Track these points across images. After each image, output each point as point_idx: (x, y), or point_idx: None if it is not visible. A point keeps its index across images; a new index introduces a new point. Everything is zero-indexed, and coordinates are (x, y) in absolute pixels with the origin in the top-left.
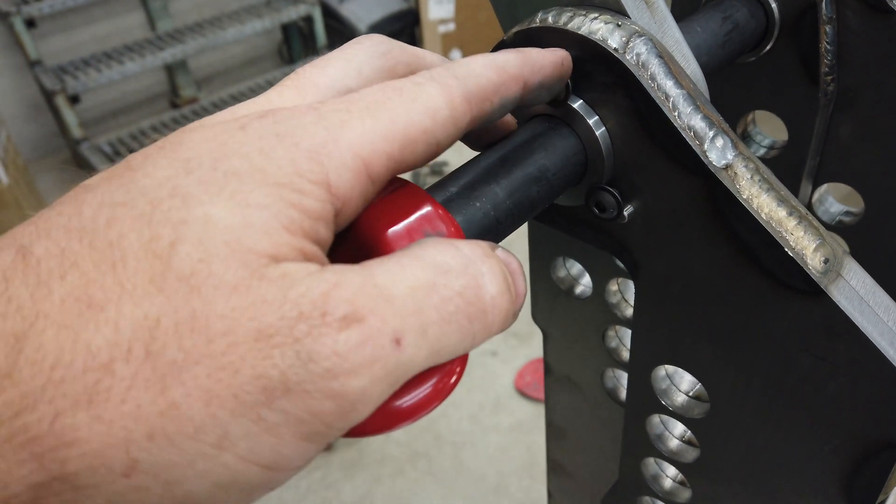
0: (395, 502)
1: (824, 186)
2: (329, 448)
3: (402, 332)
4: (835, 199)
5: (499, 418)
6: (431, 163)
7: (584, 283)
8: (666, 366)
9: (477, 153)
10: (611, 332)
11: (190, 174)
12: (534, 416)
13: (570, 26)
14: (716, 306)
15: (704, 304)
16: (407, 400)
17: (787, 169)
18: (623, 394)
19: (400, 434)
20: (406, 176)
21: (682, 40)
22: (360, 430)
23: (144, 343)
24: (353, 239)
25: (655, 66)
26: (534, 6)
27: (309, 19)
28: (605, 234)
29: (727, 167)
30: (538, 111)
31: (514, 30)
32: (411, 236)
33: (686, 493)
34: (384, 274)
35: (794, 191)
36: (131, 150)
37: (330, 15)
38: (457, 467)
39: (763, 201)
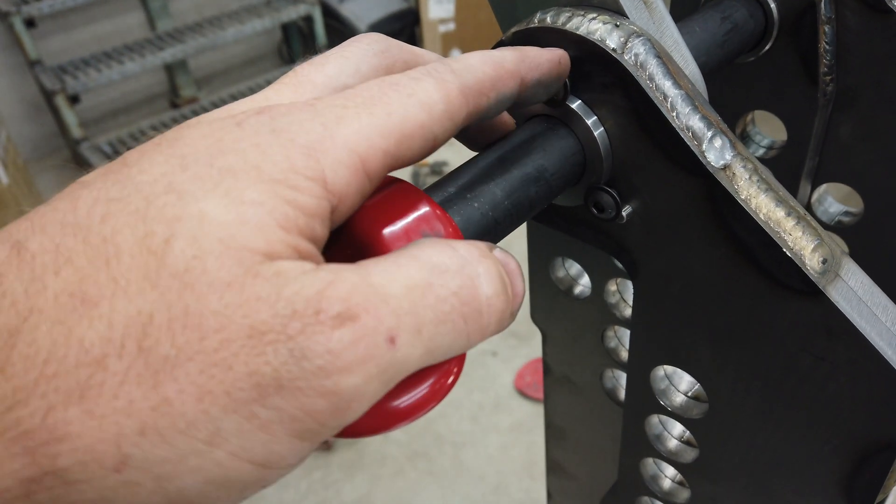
0: (394, 502)
1: (823, 186)
2: (329, 448)
3: (396, 331)
4: (834, 200)
5: (499, 418)
6: (431, 162)
7: (583, 284)
8: (665, 366)
9: (475, 153)
10: (609, 333)
11: (185, 170)
12: (534, 416)
13: (568, 26)
14: (714, 306)
15: (703, 305)
16: (404, 400)
17: (787, 169)
18: (622, 394)
19: (400, 434)
20: (406, 176)
21: (681, 40)
22: (359, 430)
23: (137, 339)
24: (351, 238)
25: (654, 67)
26: (532, 6)
27: (309, 19)
28: (604, 234)
29: (725, 167)
30: (536, 111)
31: (513, 30)
32: (409, 236)
33: (685, 494)
34: (380, 273)
35: (794, 191)
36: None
37: (330, 15)
38: (457, 467)
39: (761, 201)
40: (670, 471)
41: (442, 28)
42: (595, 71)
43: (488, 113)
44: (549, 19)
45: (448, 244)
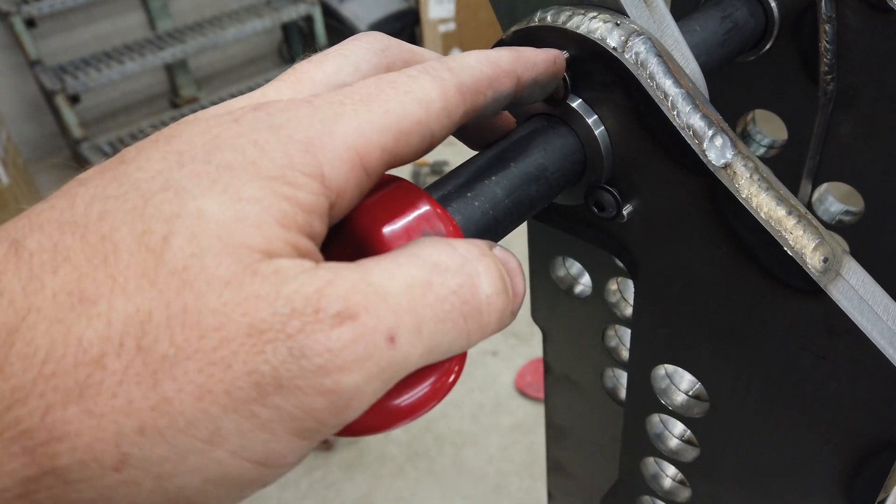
0: (395, 502)
1: (824, 186)
2: (329, 448)
3: (395, 330)
4: (835, 199)
5: (499, 418)
6: (432, 162)
7: (584, 283)
8: (665, 365)
9: (476, 152)
10: (610, 332)
11: (183, 167)
12: (534, 416)
13: (568, 25)
14: (715, 305)
15: (704, 304)
16: (405, 399)
17: (787, 168)
18: (623, 393)
19: (400, 434)
20: (406, 176)
21: (682, 39)
22: (359, 429)
23: (136, 337)
24: (352, 237)
25: (654, 65)
26: (533, 5)
27: (309, 19)
28: (605, 233)
29: (726, 166)
30: (537, 110)
31: (513, 29)
32: (409, 235)
33: (686, 493)
34: (379, 272)
35: (794, 190)
36: None
37: (330, 14)
38: (457, 467)
39: (762, 200)
40: (671, 470)
41: (442, 28)
42: (595, 70)
43: (485, 111)
44: (549, 18)
45: (448, 243)
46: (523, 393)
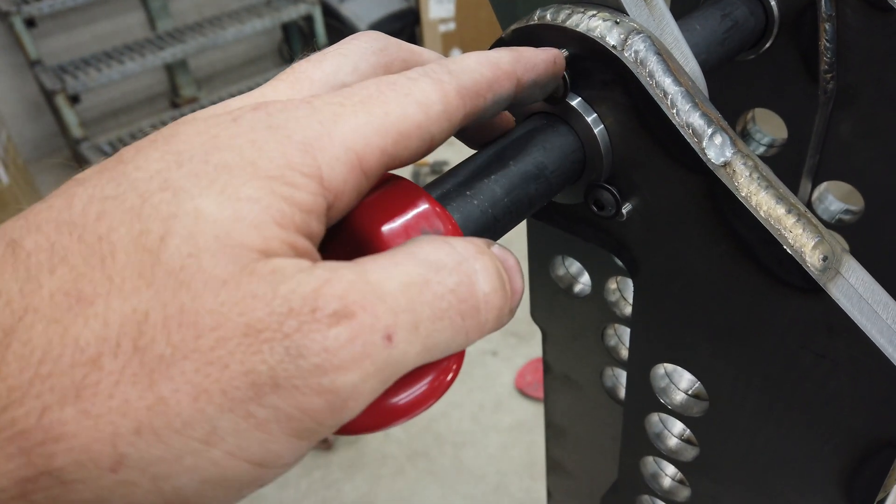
0: (395, 502)
1: (824, 185)
2: (329, 447)
3: (393, 329)
4: (835, 198)
5: (499, 418)
6: (432, 162)
7: (583, 282)
8: (665, 364)
9: (475, 151)
10: (610, 331)
11: (181, 167)
12: (534, 416)
13: (568, 23)
14: (715, 304)
15: (703, 303)
16: (403, 397)
17: (787, 167)
18: (622, 392)
19: (400, 433)
20: (406, 176)
21: (681, 38)
22: (358, 428)
23: (133, 337)
24: (350, 236)
25: (654, 64)
26: (532, 4)
27: (309, 19)
28: (604, 231)
29: (725, 165)
30: (536, 109)
31: (513, 27)
32: (408, 233)
33: (685, 492)
34: (377, 271)
35: (794, 189)
36: None
37: (330, 14)
38: (457, 467)
39: (761, 199)
40: (671, 469)
41: (442, 28)
42: (595, 68)
43: (485, 114)
44: (548, 16)
45: (445, 241)
46: (523, 393)
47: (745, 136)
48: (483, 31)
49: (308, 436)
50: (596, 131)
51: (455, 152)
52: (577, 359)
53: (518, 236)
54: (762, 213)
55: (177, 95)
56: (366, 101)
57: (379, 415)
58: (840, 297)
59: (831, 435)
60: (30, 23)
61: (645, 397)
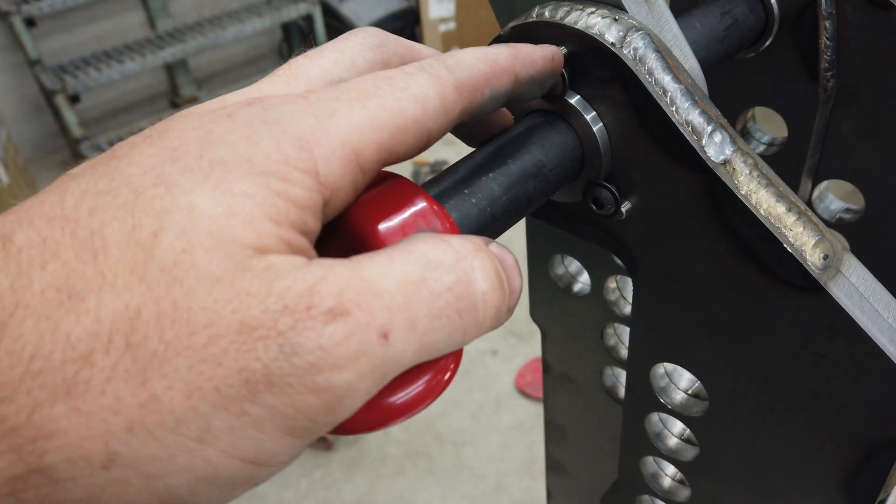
0: (395, 501)
1: (824, 183)
2: (329, 447)
3: (389, 327)
4: (835, 196)
5: (499, 417)
6: (432, 161)
7: (583, 281)
8: (665, 364)
9: (473, 149)
10: (609, 330)
11: (175, 162)
12: (534, 416)
13: (566, 21)
14: (715, 303)
15: (703, 302)
16: (400, 396)
17: (787, 166)
18: (622, 392)
19: (400, 433)
20: (406, 175)
21: (681, 35)
22: (355, 427)
23: (125, 334)
24: (347, 233)
25: (653, 61)
26: (531, 1)
27: (309, 18)
28: (603, 230)
29: (725, 163)
30: (535, 106)
31: (511, 25)
32: (405, 231)
33: (685, 492)
34: (373, 268)
35: (794, 188)
36: None
37: (330, 14)
38: (457, 466)
39: (762, 197)
40: (671, 469)
41: (442, 27)
42: (594, 66)
43: (483, 109)
44: (547, 14)
45: (443, 239)
46: (523, 392)
47: (745, 134)
48: (483, 30)
49: (303, 434)
50: (595, 129)
51: (455, 152)
52: (577, 358)
53: (517, 235)
54: (762, 212)
55: (177, 95)
56: (362, 95)
57: (376, 414)
58: (841, 296)
59: (832, 435)
60: (30, 22)
61: (645, 397)
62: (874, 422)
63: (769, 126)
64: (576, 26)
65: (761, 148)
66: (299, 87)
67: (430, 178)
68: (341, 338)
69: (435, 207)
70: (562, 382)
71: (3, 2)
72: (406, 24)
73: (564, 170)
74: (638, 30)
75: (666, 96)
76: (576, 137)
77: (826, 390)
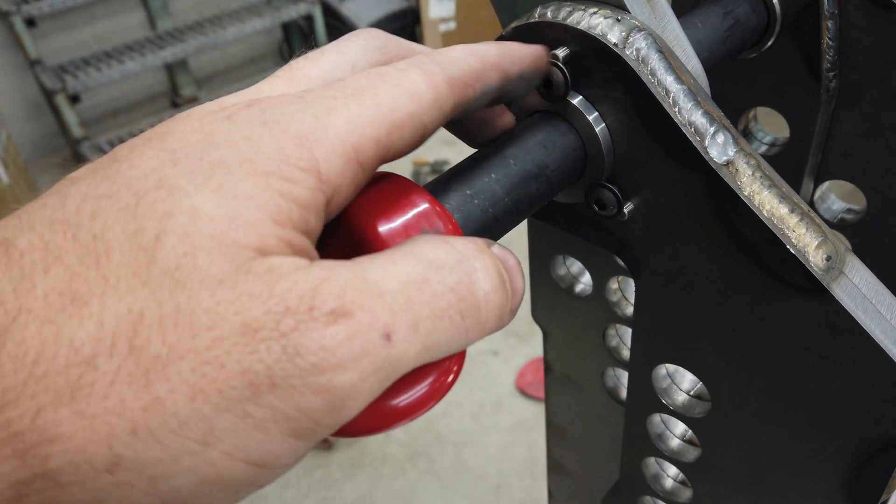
0: (395, 502)
1: (826, 184)
2: (330, 447)
3: (392, 328)
4: (837, 197)
5: (500, 417)
6: (432, 161)
7: (585, 282)
8: (667, 364)
9: (475, 150)
10: (611, 331)
11: (176, 165)
12: (535, 416)
13: (569, 21)
14: (717, 304)
15: (706, 303)
16: (403, 398)
17: (789, 166)
18: (624, 393)
19: (401, 433)
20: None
21: (683, 36)
22: (358, 429)
23: (128, 337)
24: (350, 235)
25: (655, 62)
26: (533, 2)
27: (309, 18)
28: (605, 231)
29: (728, 164)
30: (537, 107)
31: (513, 25)
32: (408, 233)
33: (687, 493)
34: (375, 269)
35: (796, 188)
36: None
37: (330, 14)
38: (458, 466)
39: (764, 198)
40: (672, 470)
41: (443, 27)
42: (596, 66)
43: (474, 105)
44: (549, 14)
45: (445, 240)
46: (524, 392)
47: (748, 134)
48: (483, 30)
49: (306, 436)
50: (597, 130)
51: (455, 152)
52: (579, 359)
53: (519, 236)
54: (765, 213)
55: (177, 95)
56: (357, 92)
57: (380, 416)
58: (844, 298)
59: (834, 436)
60: (30, 22)
61: (647, 398)
62: (877, 423)
63: (771, 126)
64: (578, 27)
65: (763, 148)
66: (300, 88)
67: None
68: (344, 339)
69: (437, 209)
70: (563, 383)
71: (3, 2)
72: (406, 23)
73: (567, 171)
74: (640, 30)
75: (668, 97)
76: (578, 138)
77: (828, 392)
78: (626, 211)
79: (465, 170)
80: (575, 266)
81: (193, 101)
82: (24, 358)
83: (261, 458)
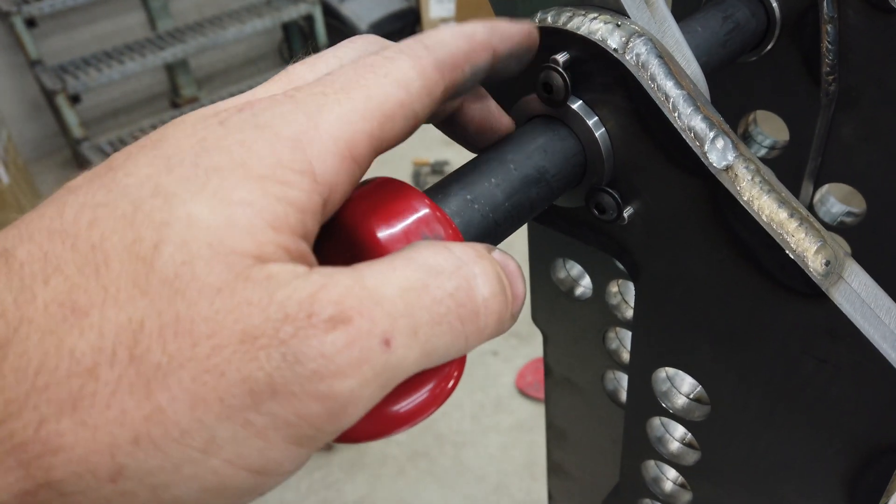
0: (395, 502)
1: (826, 187)
2: (330, 448)
3: (391, 334)
4: (836, 200)
5: (500, 418)
6: (433, 161)
7: (584, 285)
8: (666, 368)
9: (475, 155)
10: (611, 334)
11: (171, 172)
12: (535, 416)
13: (569, 26)
14: (716, 309)
15: (705, 307)
16: (404, 405)
17: (789, 169)
18: (623, 396)
19: (400, 434)
20: (406, 174)
21: (683, 40)
22: (359, 435)
23: (128, 347)
24: (350, 241)
25: (655, 67)
26: (533, 6)
27: (309, 18)
28: (605, 235)
29: (728, 168)
30: (537, 112)
31: None
32: (408, 238)
33: (687, 496)
34: (374, 275)
35: (796, 191)
36: None
37: (331, 14)
38: (457, 467)
39: (764, 203)
40: (672, 473)
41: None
42: (596, 71)
43: (465, 86)
44: (549, 19)
45: (444, 246)
46: (524, 393)
47: (747, 138)
48: None
49: (307, 442)
50: (597, 135)
51: (456, 152)
52: (579, 362)
53: (519, 238)
54: (764, 218)
55: (177, 95)
56: (346, 87)
57: (380, 422)
58: (843, 302)
59: (833, 440)
60: (30, 23)
61: (646, 401)
62: (876, 427)
63: (771, 129)
64: (578, 32)
65: (763, 151)
66: None
67: (431, 177)
68: (343, 345)
69: (438, 214)
70: (563, 386)
71: (3, 2)
72: (406, 24)
73: (567, 175)
74: (640, 35)
75: (668, 102)
76: (578, 143)
77: (827, 396)
78: (625, 215)
79: (465, 174)
80: (575, 269)
81: (194, 101)
82: (27, 369)
83: (262, 465)
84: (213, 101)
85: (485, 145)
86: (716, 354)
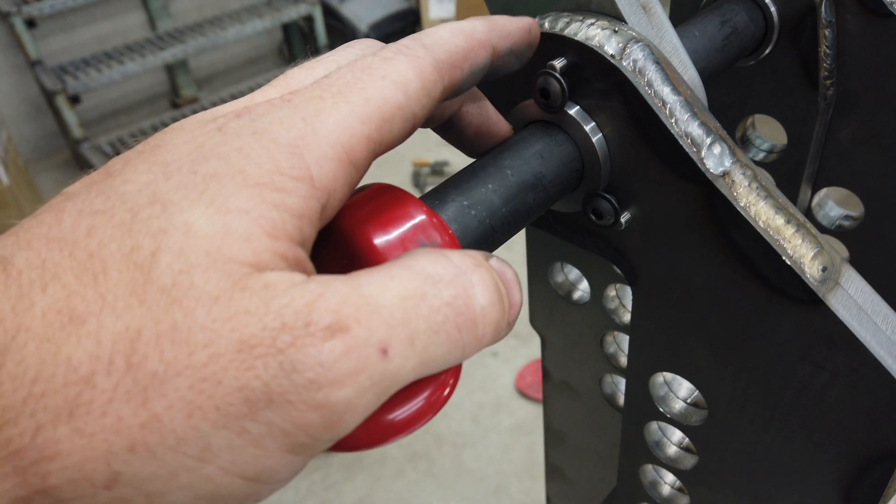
0: (395, 503)
1: (824, 191)
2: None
3: (388, 342)
4: (834, 204)
5: (499, 419)
6: (433, 162)
7: (582, 289)
8: (664, 372)
9: (472, 160)
10: (609, 338)
11: (169, 179)
12: (534, 417)
13: (566, 32)
14: (714, 314)
15: (702, 312)
16: (399, 413)
17: (787, 173)
18: (621, 400)
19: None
20: (406, 175)
21: (680, 46)
22: (354, 444)
23: (125, 355)
24: (347, 248)
25: (652, 73)
26: (530, 11)
27: (310, 19)
28: (603, 240)
29: (724, 174)
30: (534, 117)
31: None
32: (405, 246)
33: (684, 500)
34: (371, 284)
35: (794, 195)
36: None
37: (331, 14)
38: (457, 468)
39: (761, 209)
40: (669, 477)
41: None
42: (593, 77)
43: (464, 85)
44: (546, 25)
45: (442, 254)
46: (523, 394)
47: (745, 142)
48: None
49: (303, 451)
50: (594, 140)
51: (456, 153)
52: (577, 366)
53: (517, 242)
54: (761, 224)
55: (177, 96)
56: (344, 89)
57: (377, 430)
58: (839, 309)
59: (830, 445)
60: (30, 23)
61: (644, 405)
62: (872, 434)
63: (769, 133)
64: (575, 38)
65: (761, 155)
66: None
67: (431, 178)
68: (340, 354)
69: (434, 221)
70: (561, 389)
71: (3, 2)
72: (406, 24)
73: (564, 181)
74: (637, 41)
75: (665, 108)
76: (575, 148)
77: (824, 402)
78: (622, 221)
79: (462, 180)
80: (573, 273)
81: (194, 101)
82: (24, 377)
83: (258, 473)
84: (213, 102)
85: (483, 150)
86: (713, 359)
